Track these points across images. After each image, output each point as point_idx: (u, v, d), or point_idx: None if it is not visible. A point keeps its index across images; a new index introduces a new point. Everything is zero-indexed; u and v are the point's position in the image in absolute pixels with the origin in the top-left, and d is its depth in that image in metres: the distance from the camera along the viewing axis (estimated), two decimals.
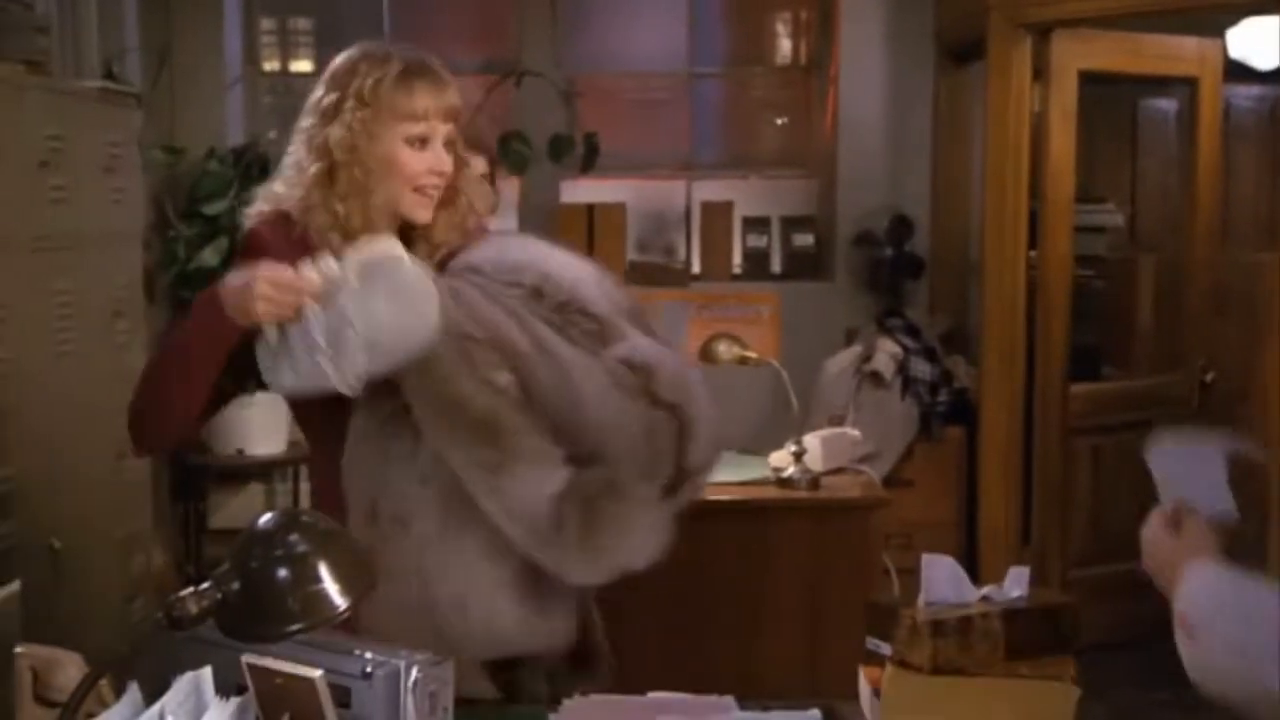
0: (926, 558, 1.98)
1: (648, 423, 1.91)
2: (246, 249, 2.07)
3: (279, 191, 2.07)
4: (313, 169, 2.01)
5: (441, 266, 2.04)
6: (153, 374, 2.07)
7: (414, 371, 1.86)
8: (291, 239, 2.02)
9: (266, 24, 5.87)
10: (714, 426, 1.98)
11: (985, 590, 2.00)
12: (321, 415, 1.99)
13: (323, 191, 2.00)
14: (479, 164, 2.87)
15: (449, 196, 2.07)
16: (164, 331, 2.06)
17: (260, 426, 4.76)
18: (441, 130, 2.02)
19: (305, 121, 2.06)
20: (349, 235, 1.99)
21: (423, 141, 2.01)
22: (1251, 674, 1.58)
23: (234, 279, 1.89)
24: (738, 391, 5.08)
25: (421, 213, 2.05)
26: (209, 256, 4.84)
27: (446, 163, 2.03)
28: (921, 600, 1.94)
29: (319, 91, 2.06)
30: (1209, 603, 1.69)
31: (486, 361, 1.87)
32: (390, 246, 1.90)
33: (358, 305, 1.82)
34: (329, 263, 1.87)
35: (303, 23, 6.00)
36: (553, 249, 2.08)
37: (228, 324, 1.88)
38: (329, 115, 2.01)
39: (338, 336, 1.82)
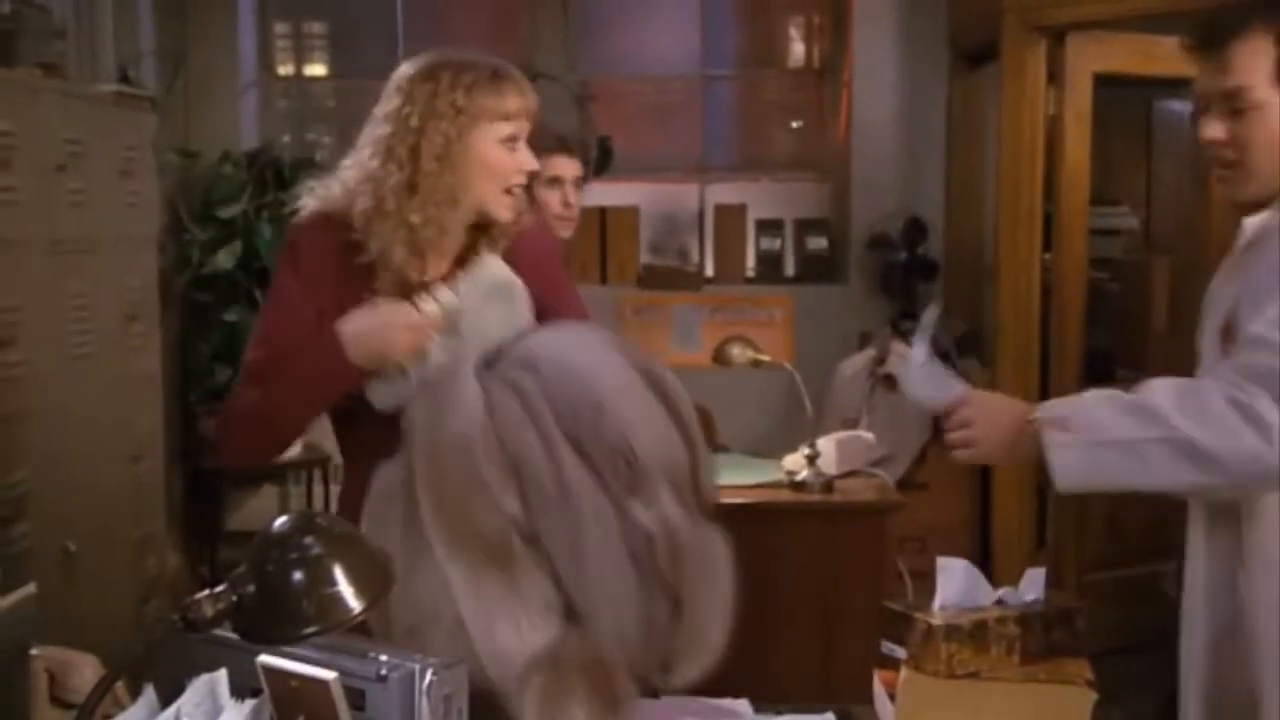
0: (941, 561, 1.97)
1: (647, 611, 1.74)
2: (289, 247, 2.09)
3: (336, 195, 2.06)
4: (392, 180, 1.99)
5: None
6: (259, 414, 2.03)
7: (429, 470, 1.77)
8: (335, 243, 2.02)
9: (280, 28, 5.89)
10: (721, 615, 1.82)
11: (1000, 593, 2.00)
12: (367, 434, 2.00)
13: (399, 202, 1.99)
14: (573, 167, 2.92)
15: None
16: (250, 362, 2.05)
17: None
18: (525, 130, 2.05)
19: (379, 130, 2.03)
20: (417, 247, 1.99)
21: (513, 140, 2.03)
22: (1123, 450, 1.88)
23: (354, 325, 1.92)
24: (751, 394, 5.10)
25: (507, 212, 2.06)
26: (223, 260, 4.86)
27: (533, 161, 2.06)
28: (936, 604, 1.94)
29: (394, 101, 2.03)
30: (1085, 406, 1.93)
31: (498, 482, 1.75)
32: (499, 267, 1.95)
33: (472, 325, 1.90)
34: (445, 293, 1.88)
35: (316, 27, 6.02)
36: (614, 362, 1.85)
37: (352, 369, 1.92)
38: (411, 125, 1.99)
39: (454, 356, 1.90)
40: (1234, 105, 1.92)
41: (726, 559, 1.83)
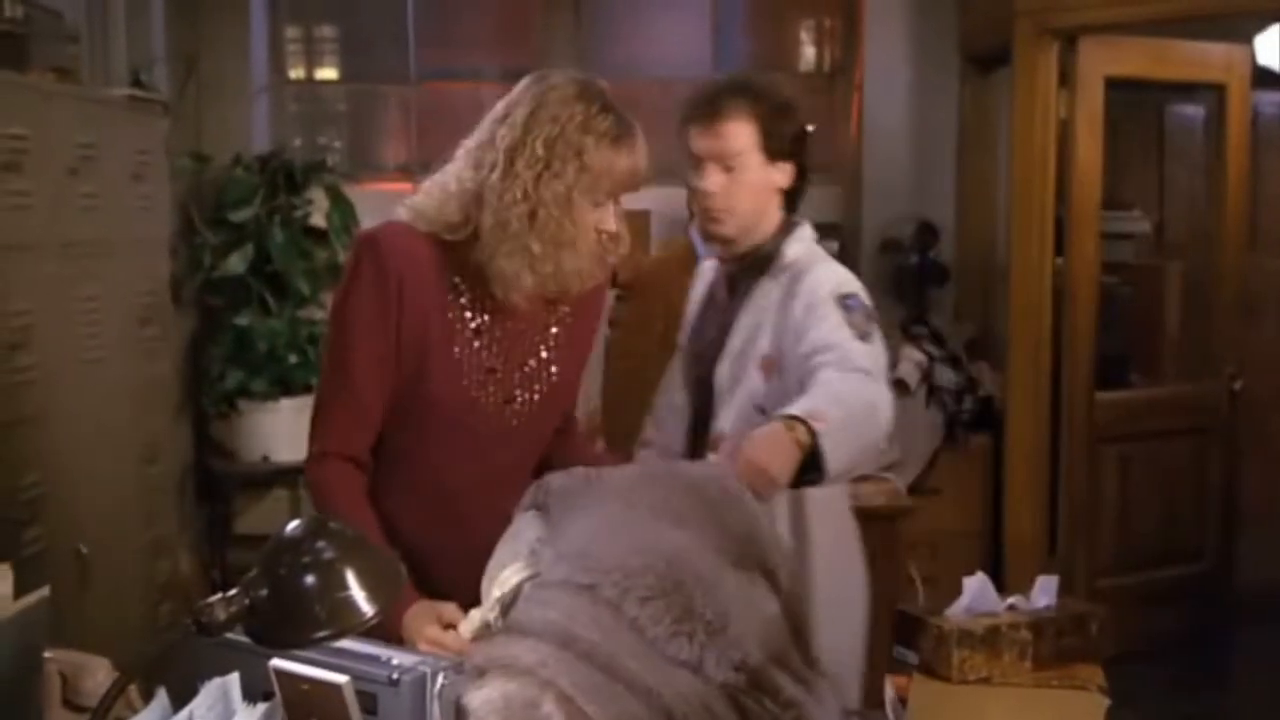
0: (967, 581, 1.98)
1: None
2: (364, 251, 2.03)
3: (423, 210, 2.04)
4: (516, 211, 1.98)
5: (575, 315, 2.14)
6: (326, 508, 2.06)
7: None
8: (431, 259, 2.01)
9: (292, 32, 5.90)
10: None
11: (1012, 599, 2.00)
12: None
13: (522, 226, 1.98)
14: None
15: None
16: (332, 418, 2.07)
17: (286, 433, 4.77)
18: (626, 195, 2.07)
19: (502, 137, 2.01)
20: (540, 277, 1.99)
21: (609, 198, 2.03)
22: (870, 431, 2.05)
23: (408, 619, 1.89)
24: None
25: (600, 271, 2.09)
26: (235, 263, 4.87)
27: (611, 221, 2.05)
28: (952, 610, 1.94)
29: (524, 109, 2.01)
30: (820, 392, 2.09)
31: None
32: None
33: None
34: (475, 616, 1.82)
35: (328, 31, 6.03)
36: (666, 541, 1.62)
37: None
38: (536, 156, 1.98)
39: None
40: (726, 164, 2.40)
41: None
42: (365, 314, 2.01)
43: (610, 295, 3.01)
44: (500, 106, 2.04)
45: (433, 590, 1.96)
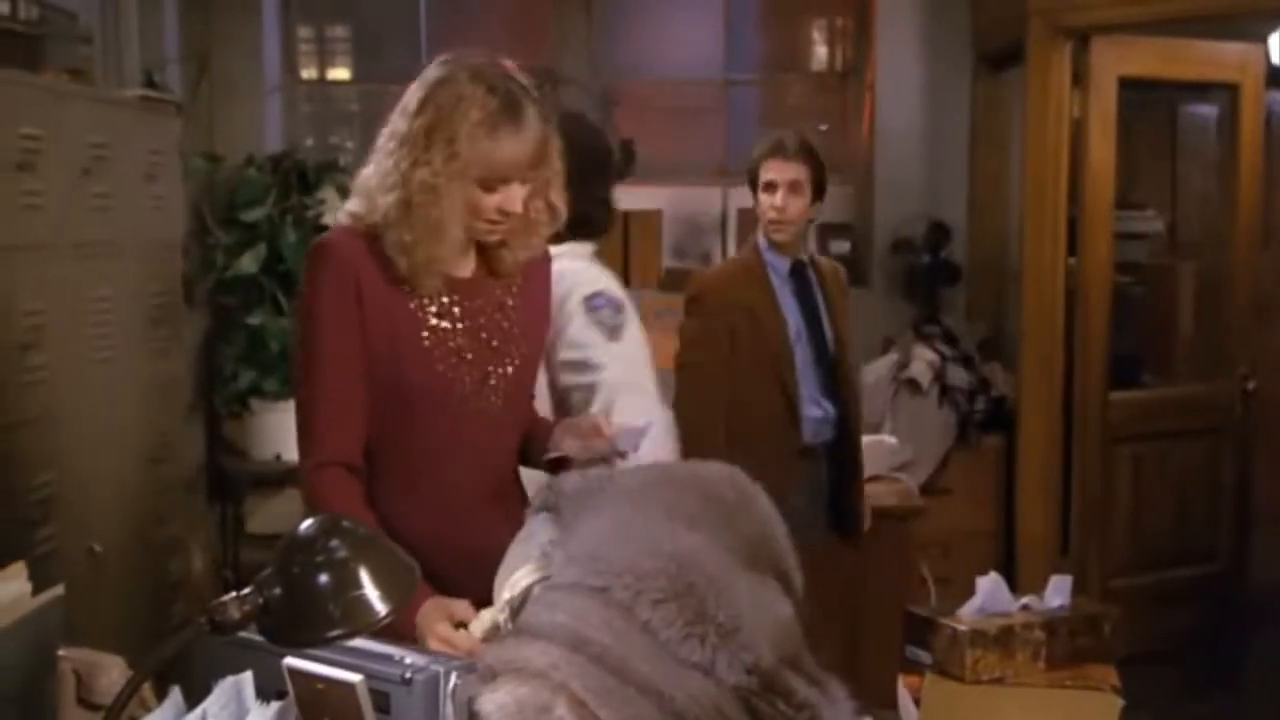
0: (980, 581, 1.98)
1: None
2: (316, 260, 2.08)
3: (355, 210, 2.08)
4: (389, 198, 2.02)
5: (530, 293, 2.15)
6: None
7: None
8: (377, 255, 2.05)
9: (304, 32, 5.91)
10: None
11: (1025, 599, 1.99)
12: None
13: (399, 215, 2.02)
14: (790, 171, 3.33)
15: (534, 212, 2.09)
16: (313, 425, 2.11)
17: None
18: (522, 172, 2.03)
19: (397, 127, 2.05)
20: (414, 265, 2.03)
21: (504, 182, 2.03)
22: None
23: (421, 615, 1.90)
24: None
25: (491, 238, 2.09)
26: (247, 263, 4.88)
27: (515, 203, 2.04)
28: (965, 610, 1.94)
29: (416, 96, 2.04)
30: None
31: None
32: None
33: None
34: (486, 616, 1.81)
35: (340, 31, 6.04)
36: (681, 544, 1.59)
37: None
38: (417, 144, 2.01)
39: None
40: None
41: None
42: (328, 320, 2.05)
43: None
44: (405, 95, 2.07)
45: (438, 589, 1.96)
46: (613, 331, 2.49)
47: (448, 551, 2.06)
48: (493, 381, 2.13)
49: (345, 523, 1.39)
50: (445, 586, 1.97)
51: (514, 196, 2.04)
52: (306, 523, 1.39)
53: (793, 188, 3.29)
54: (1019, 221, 4.87)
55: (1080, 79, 4.62)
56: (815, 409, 3.34)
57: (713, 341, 3.34)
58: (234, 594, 1.32)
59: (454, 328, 2.11)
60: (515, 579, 1.76)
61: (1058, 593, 2.01)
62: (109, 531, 3.42)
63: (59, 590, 1.62)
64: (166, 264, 3.82)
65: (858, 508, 3.40)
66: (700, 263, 5.79)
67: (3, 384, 2.94)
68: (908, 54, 5.37)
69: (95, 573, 3.30)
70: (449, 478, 2.12)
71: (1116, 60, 4.60)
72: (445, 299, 2.11)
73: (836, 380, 3.37)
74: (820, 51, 6.04)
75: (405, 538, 2.03)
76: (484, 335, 2.14)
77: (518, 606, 1.71)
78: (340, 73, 6.02)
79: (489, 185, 2.02)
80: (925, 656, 1.89)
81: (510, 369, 2.16)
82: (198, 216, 4.94)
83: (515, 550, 1.81)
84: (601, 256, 2.72)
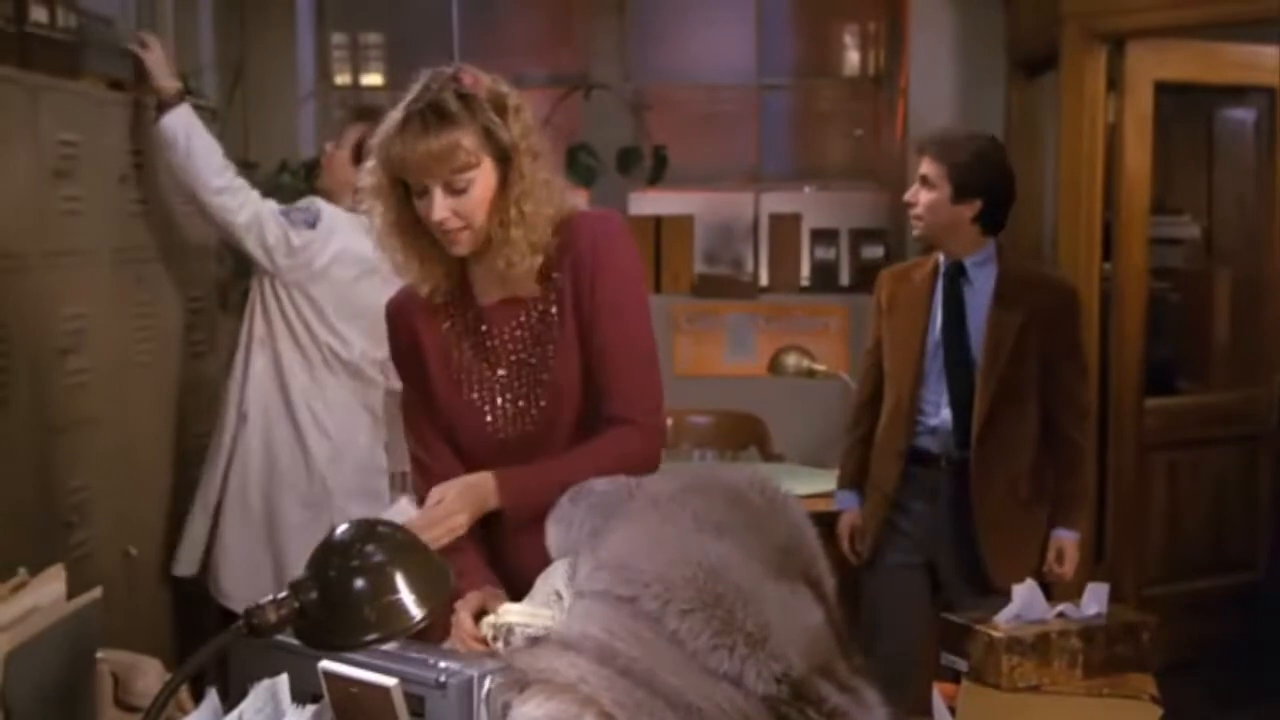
0: (1016, 588, 1.96)
1: None
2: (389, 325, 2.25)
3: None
4: (379, 221, 2.11)
5: (544, 277, 2.09)
6: None
7: None
8: (408, 305, 2.16)
9: (338, 39, 5.94)
10: None
11: (1061, 607, 1.98)
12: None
13: (387, 240, 2.08)
14: (929, 169, 3.18)
15: (501, 223, 2.04)
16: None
17: None
18: (438, 177, 1.99)
19: None
20: (416, 283, 2.10)
21: (423, 192, 2.00)
22: None
23: (463, 600, 1.97)
24: (805, 404, 5.07)
25: (457, 250, 2.06)
26: None
27: (435, 209, 1.99)
28: (1002, 617, 1.92)
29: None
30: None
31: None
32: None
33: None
34: (494, 619, 1.84)
35: (373, 38, 6.07)
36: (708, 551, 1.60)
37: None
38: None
39: None
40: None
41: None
42: (401, 373, 2.24)
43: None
44: None
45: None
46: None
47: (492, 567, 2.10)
48: (522, 404, 2.13)
49: (381, 527, 1.40)
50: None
51: (433, 202, 1.98)
52: (343, 527, 1.40)
53: (923, 182, 3.20)
54: (1054, 227, 4.84)
55: (1115, 84, 4.59)
56: (932, 416, 3.22)
57: (873, 328, 3.40)
58: (271, 597, 1.33)
59: (480, 352, 2.13)
60: (504, 608, 1.79)
61: (1094, 600, 1.99)
62: (145, 534, 3.44)
63: (96, 593, 1.63)
64: (202, 269, 3.85)
65: (986, 551, 3.07)
66: (732, 268, 5.78)
67: (43, 389, 2.96)
68: (941, 58, 5.35)
69: (132, 575, 3.32)
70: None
71: (1152, 65, 4.57)
72: (477, 327, 2.13)
73: (969, 391, 3.16)
74: (853, 56, 6.02)
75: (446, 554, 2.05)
76: (510, 358, 2.13)
77: (504, 635, 1.73)
78: (373, 78, 6.04)
79: (415, 191, 2.01)
80: (961, 664, 1.88)
81: (543, 395, 2.12)
82: None
83: (538, 585, 1.82)
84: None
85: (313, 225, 3.43)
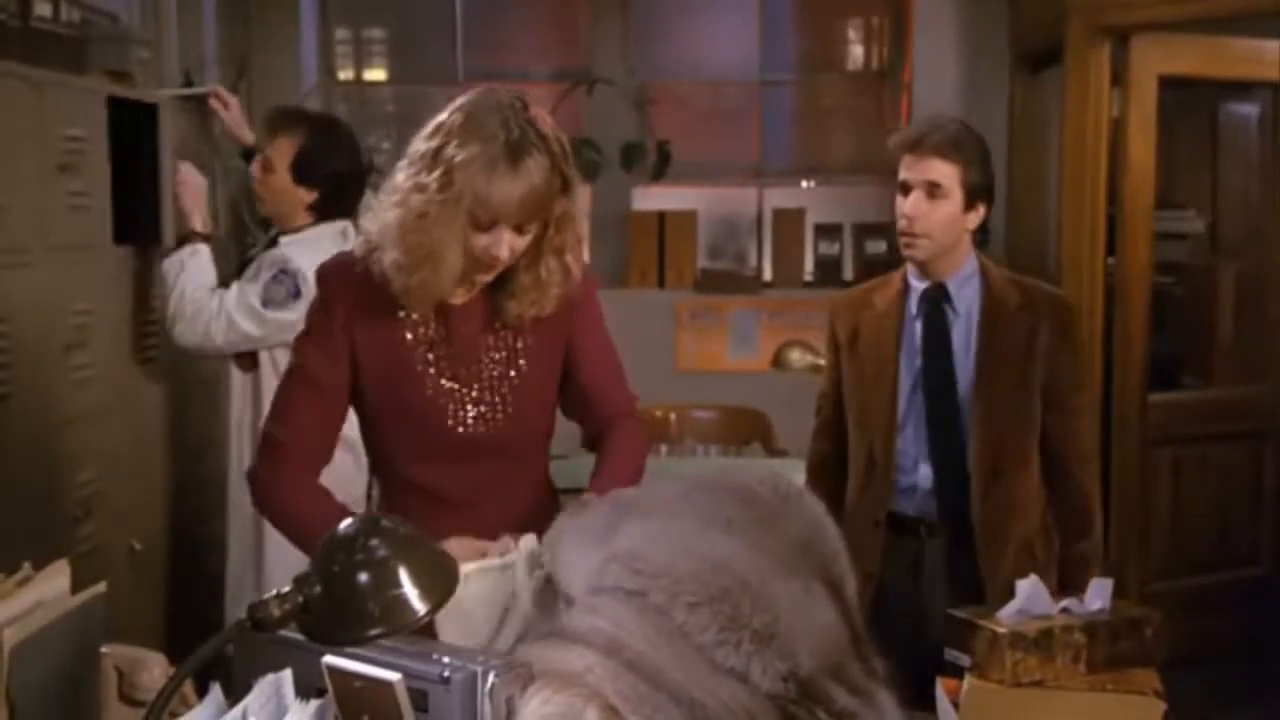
0: (1020, 583, 1.96)
1: None
2: (315, 283, 2.18)
3: (366, 226, 2.10)
4: (389, 216, 2.02)
5: (538, 322, 2.10)
6: (272, 518, 2.21)
7: None
8: (366, 275, 2.06)
9: (341, 34, 5.95)
10: None
11: (1065, 602, 1.97)
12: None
13: (395, 235, 2.02)
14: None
15: (530, 261, 2.06)
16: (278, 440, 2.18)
17: None
18: (514, 221, 1.99)
19: (415, 146, 2.03)
20: (407, 287, 2.03)
21: (494, 223, 1.99)
22: None
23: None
24: (809, 399, 5.05)
25: (482, 280, 2.08)
26: None
27: (502, 247, 2.00)
28: (1005, 612, 1.92)
29: (438, 119, 2.02)
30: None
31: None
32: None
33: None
34: (477, 564, 1.85)
35: (377, 33, 6.07)
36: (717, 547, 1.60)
37: None
38: (423, 166, 2.00)
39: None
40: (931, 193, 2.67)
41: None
42: (310, 342, 2.14)
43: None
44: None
45: None
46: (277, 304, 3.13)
47: None
48: (485, 410, 2.12)
49: (385, 522, 1.40)
50: None
51: (501, 241, 1.98)
52: (347, 522, 1.40)
53: (930, 190, 2.62)
54: (1057, 222, 4.84)
55: (1119, 78, 4.58)
56: (909, 474, 2.64)
57: (829, 368, 2.84)
58: (274, 592, 1.33)
59: (447, 357, 2.11)
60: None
61: (1098, 596, 1.99)
62: (150, 529, 3.45)
63: (100, 588, 1.63)
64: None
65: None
66: (736, 263, 5.78)
67: (49, 383, 2.97)
68: (945, 53, 5.35)
69: (136, 570, 3.33)
70: (456, 497, 2.12)
71: (1156, 59, 4.56)
72: (436, 323, 2.11)
73: (957, 440, 2.60)
74: (856, 51, 6.02)
75: None
76: (476, 366, 2.13)
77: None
78: (377, 74, 6.05)
79: (480, 224, 1.97)
80: (964, 659, 1.88)
81: (511, 395, 2.13)
82: (236, 216, 4.96)
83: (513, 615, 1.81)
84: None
85: (296, 295, 3.15)
